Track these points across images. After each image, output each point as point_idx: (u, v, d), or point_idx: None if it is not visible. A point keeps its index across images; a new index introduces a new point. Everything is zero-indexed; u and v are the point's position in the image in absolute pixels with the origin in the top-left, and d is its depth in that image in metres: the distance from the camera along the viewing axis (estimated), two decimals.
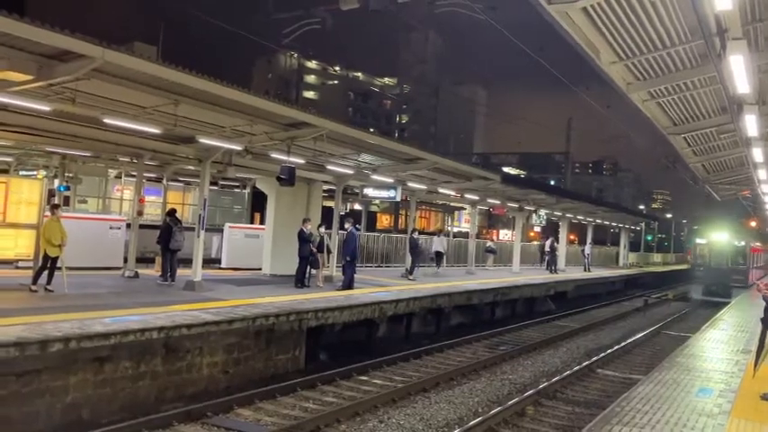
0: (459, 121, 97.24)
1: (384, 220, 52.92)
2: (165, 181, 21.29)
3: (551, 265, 29.79)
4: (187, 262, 14.07)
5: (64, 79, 8.37)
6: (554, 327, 19.34)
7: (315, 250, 15.29)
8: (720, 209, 38.05)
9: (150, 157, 15.22)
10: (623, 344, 16.25)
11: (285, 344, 11.14)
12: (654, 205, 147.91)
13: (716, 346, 13.02)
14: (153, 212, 23.97)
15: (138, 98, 9.98)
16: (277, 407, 9.11)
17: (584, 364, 13.24)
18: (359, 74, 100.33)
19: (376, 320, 13.93)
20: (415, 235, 20.68)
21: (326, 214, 18.74)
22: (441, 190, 20.89)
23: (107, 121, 10.63)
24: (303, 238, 14.99)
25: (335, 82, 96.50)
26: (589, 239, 38.00)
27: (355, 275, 15.65)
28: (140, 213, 15.87)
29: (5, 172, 19.07)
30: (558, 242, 32.10)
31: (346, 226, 15.75)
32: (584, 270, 33.67)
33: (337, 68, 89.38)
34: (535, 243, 39.93)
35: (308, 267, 15.35)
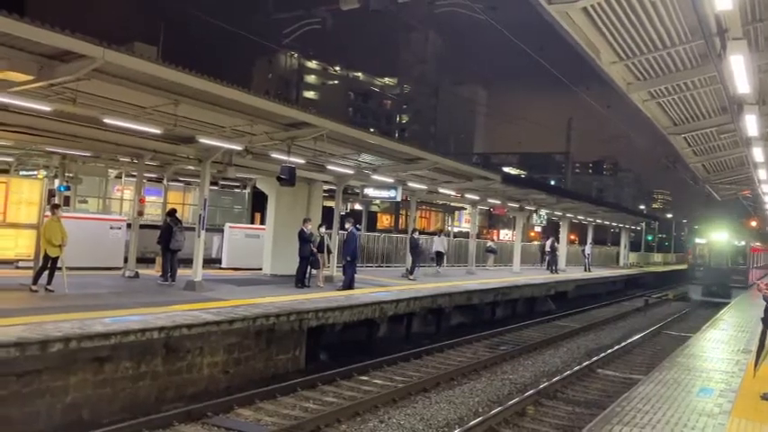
0: (460, 121, 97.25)
1: (384, 220, 52.93)
2: (165, 181, 21.28)
3: (552, 265, 29.78)
4: (187, 262, 14.07)
5: (64, 79, 8.37)
6: (554, 327, 19.34)
7: (315, 250, 15.29)
8: (721, 209, 38.04)
9: (150, 158, 15.23)
10: (624, 344, 16.24)
11: (285, 344, 11.14)
12: (654, 205, 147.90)
13: (716, 345, 13.02)
14: (153, 212, 23.97)
15: (139, 98, 9.99)
16: (277, 407, 9.11)
17: (585, 363, 13.24)
18: (359, 74, 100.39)
19: (376, 320, 13.94)
20: (416, 235, 20.68)
21: (327, 214, 18.74)
22: (441, 190, 20.88)
23: (107, 121, 10.64)
24: (303, 238, 14.99)
25: (336, 82, 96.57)
26: (589, 239, 38.01)
27: (356, 275, 15.65)
28: (141, 213, 15.88)
29: (6, 172, 19.08)
30: (558, 242, 32.10)
31: (347, 226, 15.75)
32: (585, 270, 33.67)
33: (337, 68, 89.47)
34: (535, 243, 39.93)
35: (309, 267, 15.36)
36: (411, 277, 19.50)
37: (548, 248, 30.70)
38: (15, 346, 7.16)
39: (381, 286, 16.77)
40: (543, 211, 27.70)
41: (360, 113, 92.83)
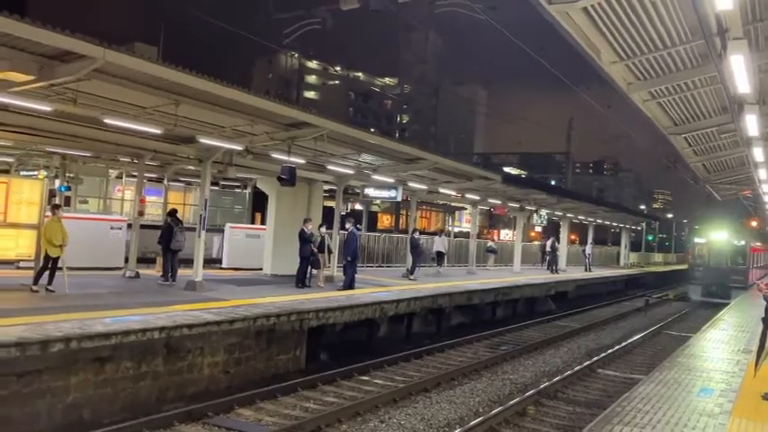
0: (460, 121, 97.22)
1: (385, 220, 52.94)
2: (165, 181, 21.32)
3: (552, 264, 29.78)
4: (188, 262, 14.07)
5: (65, 80, 8.38)
6: (555, 327, 19.34)
7: (316, 250, 15.30)
8: (721, 209, 37.99)
9: (151, 158, 15.24)
10: (624, 344, 16.24)
11: (286, 344, 11.14)
12: (655, 205, 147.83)
13: (717, 345, 13.01)
14: (154, 213, 23.99)
15: (139, 98, 9.99)
16: (278, 407, 9.11)
17: (585, 363, 13.24)
18: (359, 74, 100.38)
19: (377, 320, 13.94)
20: (416, 235, 20.68)
21: (327, 214, 18.75)
22: (441, 190, 20.88)
23: (108, 121, 10.64)
24: (304, 239, 15.00)
25: (336, 82, 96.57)
26: (590, 239, 38.00)
27: (356, 275, 15.65)
28: (141, 213, 15.89)
29: (6, 172, 19.09)
30: (558, 242, 32.10)
31: (347, 226, 15.75)
32: (585, 270, 33.67)
33: (338, 68, 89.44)
34: (536, 243, 39.93)
35: (309, 267, 15.37)
36: (411, 277, 19.50)
37: (548, 248, 30.70)
38: (16, 346, 7.16)
39: (382, 286, 16.78)
40: (544, 211, 27.69)
41: (360, 113, 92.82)
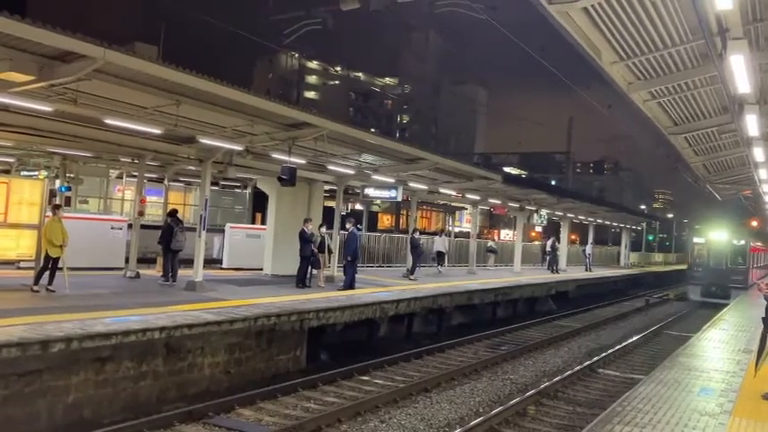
0: (460, 120, 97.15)
1: (385, 220, 52.95)
2: (166, 181, 21.36)
3: (552, 264, 29.79)
4: (188, 262, 14.08)
5: (65, 80, 8.38)
6: (555, 327, 19.34)
7: (316, 250, 15.30)
8: (722, 208, 37.91)
9: (151, 158, 15.26)
10: (624, 344, 16.24)
11: (286, 344, 11.15)
12: (655, 205, 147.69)
13: (717, 345, 13.01)
14: (154, 213, 24.03)
15: (140, 98, 10.00)
16: (278, 407, 9.11)
17: (586, 363, 13.23)
18: (360, 74, 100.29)
19: (377, 320, 13.95)
20: (416, 235, 20.69)
21: (328, 214, 18.75)
22: (442, 190, 20.89)
23: (108, 121, 10.65)
24: (304, 239, 15.00)
25: (336, 82, 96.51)
26: (590, 239, 37.99)
27: (357, 275, 15.66)
28: (141, 214, 15.89)
29: (7, 172, 19.14)
30: (559, 242, 32.10)
31: (347, 226, 15.75)
32: (586, 270, 33.67)
33: (338, 69, 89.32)
34: (536, 243, 39.93)
35: (310, 267, 15.37)
36: (412, 277, 19.50)
37: (548, 248, 30.70)
38: (17, 346, 7.17)
39: (382, 286, 16.78)
40: (544, 211, 27.70)
41: (360, 113, 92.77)
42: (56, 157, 18.11)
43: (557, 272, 29.39)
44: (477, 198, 24.26)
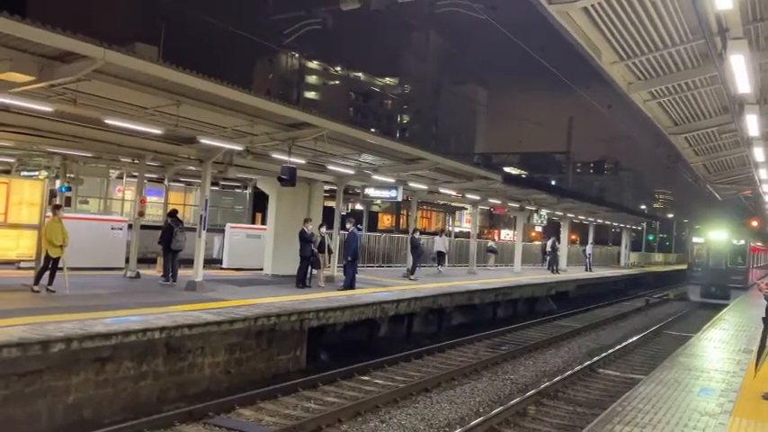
0: (461, 120, 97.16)
1: (385, 220, 52.94)
2: (166, 181, 21.37)
3: (553, 264, 29.79)
4: (188, 262, 14.08)
5: (65, 80, 8.39)
6: (555, 327, 19.34)
7: (316, 250, 15.30)
8: (722, 208, 37.85)
9: (152, 158, 15.26)
10: (625, 343, 16.23)
11: (287, 344, 11.15)
12: (655, 205, 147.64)
13: (717, 345, 13.01)
14: (154, 213, 24.03)
15: (140, 99, 10.00)
16: (278, 407, 9.12)
17: (586, 363, 13.23)
18: (360, 74, 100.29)
19: (377, 320, 13.95)
20: (417, 235, 20.69)
21: (328, 214, 18.75)
22: (442, 190, 20.89)
23: (108, 121, 10.65)
24: (304, 239, 15.00)
25: (336, 82, 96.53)
26: (591, 239, 37.98)
27: (357, 275, 15.66)
28: (142, 214, 15.89)
29: (7, 173, 19.14)
30: (559, 242, 32.10)
31: (348, 226, 15.76)
32: (586, 270, 33.67)
33: (338, 69, 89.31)
34: (537, 243, 39.92)
35: (310, 267, 15.37)
36: (412, 277, 19.51)
37: (548, 248, 30.70)
38: (17, 347, 7.17)
39: (382, 286, 16.78)
40: (544, 211, 27.69)
41: (361, 113, 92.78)
42: (56, 158, 18.12)
43: (557, 272, 29.39)
44: (478, 198, 24.26)
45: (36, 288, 11.11)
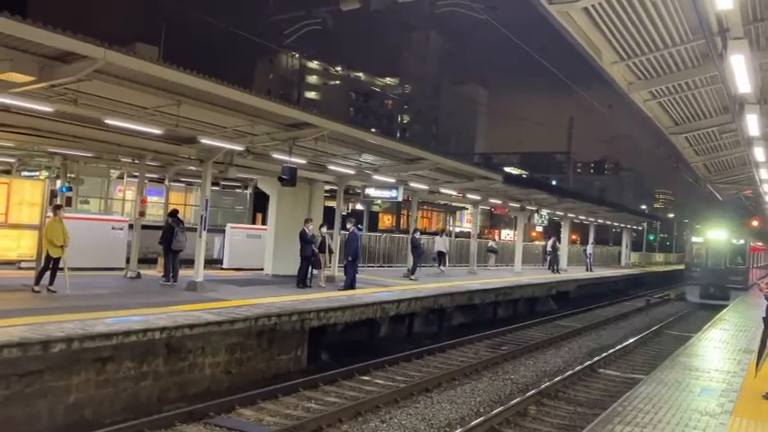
0: (461, 120, 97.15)
1: (386, 220, 52.94)
2: (167, 181, 21.37)
3: (553, 264, 29.78)
4: (189, 263, 14.09)
5: (66, 80, 8.40)
6: (556, 327, 19.33)
7: (316, 250, 15.30)
8: (722, 208, 37.77)
9: (152, 158, 15.26)
10: (625, 343, 16.23)
11: (287, 344, 11.15)
12: (656, 205, 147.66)
13: (718, 345, 13.00)
14: (155, 213, 24.05)
15: (140, 99, 10.01)
16: (279, 407, 9.12)
17: (586, 363, 13.23)
18: (360, 74, 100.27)
19: (378, 320, 13.95)
20: (417, 235, 20.69)
21: (328, 214, 18.76)
22: (442, 190, 20.89)
23: (109, 121, 10.66)
24: (305, 239, 15.01)
25: (337, 82, 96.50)
26: (591, 239, 37.97)
27: (357, 275, 15.66)
28: (142, 214, 15.90)
29: (8, 173, 19.15)
30: (560, 242, 32.10)
31: (348, 226, 15.76)
32: (587, 270, 33.66)
33: (339, 69, 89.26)
34: (537, 243, 39.91)
35: (310, 267, 15.37)
36: (412, 277, 19.51)
37: (549, 248, 30.70)
38: (18, 347, 7.18)
39: (383, 286, 16.78)
40: (545, 211, 27.70)
41: (361, 113, 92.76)
42: (57, 158, 18.13)
43: (557, 272, 29.38)
44: (478, 198, 24.26)
45: (37, 288, 11.12)
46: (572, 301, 25.52)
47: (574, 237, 45.72)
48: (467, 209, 43.79)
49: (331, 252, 16.49)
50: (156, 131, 11.34)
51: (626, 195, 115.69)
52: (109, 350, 8.15)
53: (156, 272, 15.25)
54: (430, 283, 18.47)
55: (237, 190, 29.19)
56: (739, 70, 7.85)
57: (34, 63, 8.04)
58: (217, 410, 8.53)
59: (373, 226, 36.47)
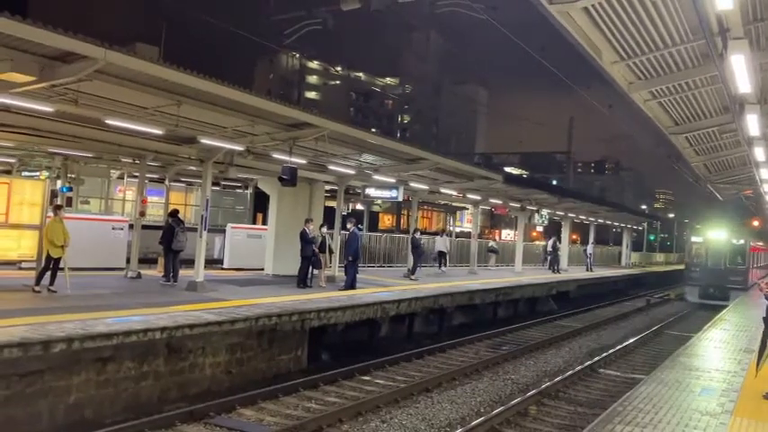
0: (461, 120, 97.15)
1: (386, 220, 52.93)
2: (167, 182, 21.38)
3: (554, 264, 29.78)
4: (189, 263, 14.10)
5: (66, 80, 8.40)
6: (556, 327, 19.33)
7: (317, 250, 15.31)
8: (723, 208, 37.73)
9: (152, 158, 15.27)
10: (625, 343, 16.22)
11: (288, 344, 11.16)
12: (656, 205, 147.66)
13: (718, 345, 13.00)
14: (155, 213, 24.05)
15: (141, 99, 10.01)
16: (279, 407, 9.12)
17: (587, 363, 13.23)
18: (360, 74, 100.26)
19: (378, 320, 13.95)
20: (417, 235, 20.69)
21: (329, 214, 18.76)
22: (443, 190, 20.89)
23: (109, 121, 10.67)
24: (306, 239, 15.01)
25: (337, 82, 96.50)
26: (591, 239, 37.97)
27: (358, 275, 15.66)
28: (143, 214, 15.91)
29: (8, 173, 19.15)
30: (560, 242, 32.09)
31: (348, 226, 15.76)
32: (587, 270, 33.66)
33: (339, 69, 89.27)
34: (537, 243, 39.90)
35: (311, 267, 15.38)
36: (413, 277, 19.51)
37: (549, 248, 30.70)
38: (18, 347, 7.18)
39: (383, 286, 16.79)
40: (545, 211, 27.70)
41: (361, 113, 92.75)
42: (57, 158, 18.13)
43: (558, 272, 29.38)
44: (479, 198, 24.26)
45: (37, 288, 11.12)
46: (572, 301, 25.51)
47: (574, 237, 45.71)
48: (467, 209, 43.81)
49: (331, 252, 16.49)
50: (157, 131, 11.34)
51: (626, 195, 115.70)
52: (109, 350, 8.15)
53: (156, 272, 15.26)
54: (430, 283, 18.47)
55: (238, 190, 29.20)
56: (739, 70, 7.85)
57: (35, 63, 8.05)
58: (217, 410, 8.54)
59: (373, 226, 36.48)
